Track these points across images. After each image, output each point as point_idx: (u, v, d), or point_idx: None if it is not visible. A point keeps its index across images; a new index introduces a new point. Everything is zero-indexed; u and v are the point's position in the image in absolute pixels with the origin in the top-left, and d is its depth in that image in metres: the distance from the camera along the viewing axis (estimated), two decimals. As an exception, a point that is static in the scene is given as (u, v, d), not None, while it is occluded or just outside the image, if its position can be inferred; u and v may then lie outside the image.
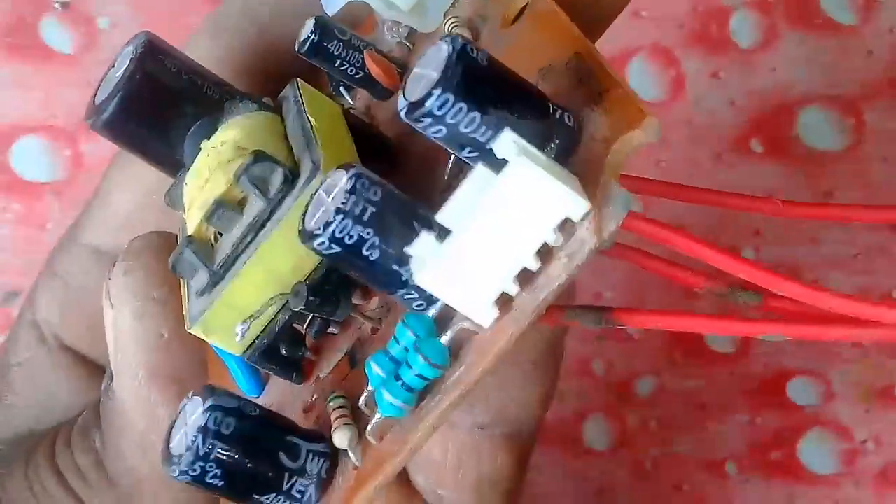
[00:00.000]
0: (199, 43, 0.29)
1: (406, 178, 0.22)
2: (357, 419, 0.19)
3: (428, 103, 0.16)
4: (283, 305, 0.20)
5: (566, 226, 0.16)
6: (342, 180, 0.17)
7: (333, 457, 0.18)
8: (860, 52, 0.35)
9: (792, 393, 0.36)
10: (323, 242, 0.17)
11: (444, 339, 0.17)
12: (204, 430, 0.17)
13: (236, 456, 0.18)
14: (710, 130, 0.35)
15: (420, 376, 0.17)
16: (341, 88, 0.26)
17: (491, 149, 0.17)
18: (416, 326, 0.18)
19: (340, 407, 0.19)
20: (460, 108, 0.16)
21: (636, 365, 0.36)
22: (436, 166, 0.21)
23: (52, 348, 0.29)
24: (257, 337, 0.20)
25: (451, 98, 0.16)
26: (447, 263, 0.16)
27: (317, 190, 0.18)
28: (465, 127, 0.17)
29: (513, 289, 0.17)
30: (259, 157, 0.19)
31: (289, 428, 0.19)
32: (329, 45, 0.23)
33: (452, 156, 0.20)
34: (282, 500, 0.18)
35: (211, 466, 0.17)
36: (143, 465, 0.24)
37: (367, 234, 0.17)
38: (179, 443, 0.18)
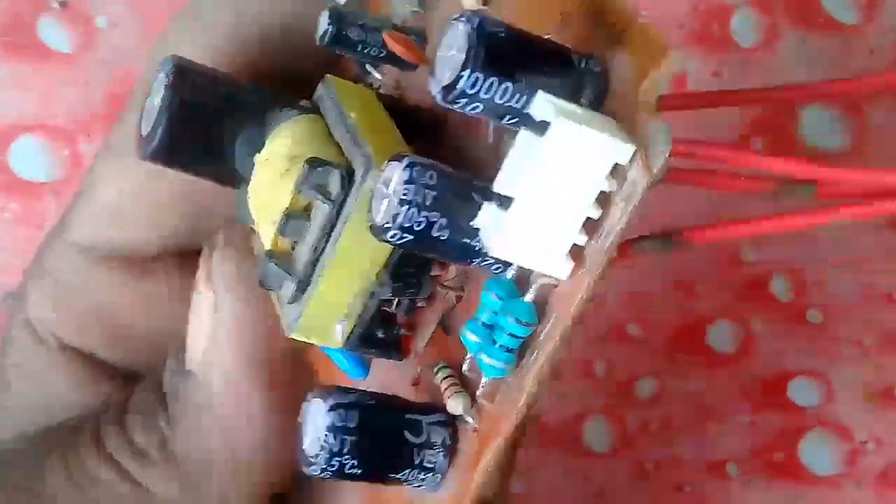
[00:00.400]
0: (176, 35, 0.28)
1: (451, 145, 0.23)
2: (465, 385, 0.20)
3: (460, 85, 0.17)
4: (371, 294, 0.21)
5: (617, 170, 0.17)
6: (397, 171, 0.18)
7: (452, 424, 0.20)
8: (862, 51, 0.34)
9: (793, 393, 0.36)
10: (395, 234, 0.18)
11: (528, 297, 0.18)
12: (332, 428, 0.19)
13: (366, 444, 0.19)
14: (712, 130, 0.34)
15: (513, 335, 0.18)
16: (367, 66, 0.27)
17: (528, 113, 0.18)
18: (499, 290, 0.19)
19: (448, 377, 0.20)
20: (491, 83, 0.17)
21: (637, 366, 0.36)
22: (477, 128, 0.22)
23: (51, 347, 0.29)
24: (353, 327, 0.21)
25: (481, 75, 0.17)
26: (514, 229, 0.17)
27: (376, 184, 0.19)
28: (500, 98, 0.17)
29: (581, 239, 0.17)
30: (313, 163, 0.20)
31: (405, 407, 0.20)
32: (348, 33, 0.24)
33: (490, 122, 0.21)
34: (416, 473, 0.19)
35: (347, 459, 0.19)
36: (223, 448, 0.24)
37: (434, 217, 0.18)
38: (312, 444, 0.19)
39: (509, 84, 0.17)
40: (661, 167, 0.17)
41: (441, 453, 0.20)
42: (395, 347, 0.22)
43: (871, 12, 0.34)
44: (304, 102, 0.23)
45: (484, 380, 0.19)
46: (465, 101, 0.17)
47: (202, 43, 0.28)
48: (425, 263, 0.21)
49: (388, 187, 0.18)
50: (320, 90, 0.22)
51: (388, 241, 0.18)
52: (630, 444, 0.36)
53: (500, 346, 0.18)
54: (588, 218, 0.17)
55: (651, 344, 0.36)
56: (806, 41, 0.34)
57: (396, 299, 0.21)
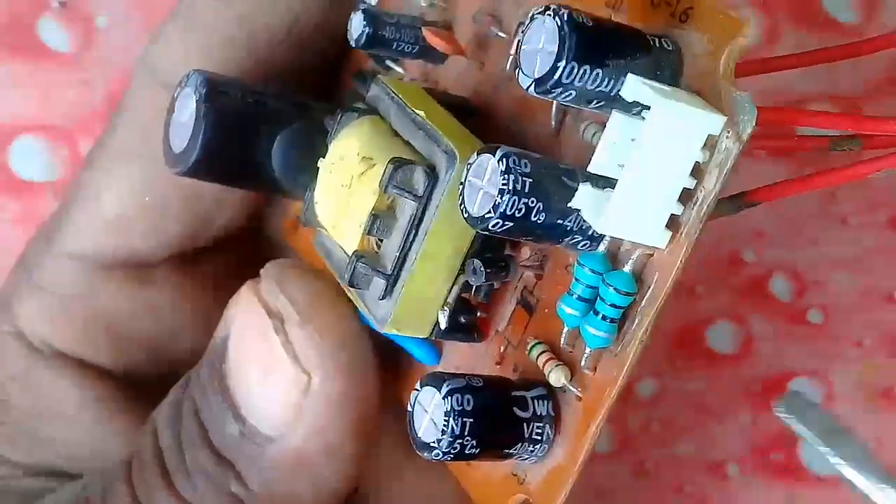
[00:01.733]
0: (173, 37, 0.28)
1: (499, 132, 0.24)
2: (560, 358, 0.21)
3: (556, 75, 0.18)
4: (457, 282, 0.22)
5: (710, 141, 0.18)
6: (491, 162, 0.19)
7: (553, 396, 0.21)
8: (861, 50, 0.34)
9: None
10: (497, 222, 0.19)
11: (627, 268, 0.19)
12: (452, 412, 0.20)
13: (483, 424, 0.20)
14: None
15: (614, 306, 0.20)
16: (387, 62, 0.27)
17: (616, 95, 0.19)
18: (594, 264, 0.20)
19: (544, 352, 0.21)
20: (584, 71, 0.18)
21: (638, 367, 0.36)
22: (525, 115, 0.23)
23: (48, 355, 0.29)
24: (441, 315, 0.22)
25: (575, 65, 0.18)
26: (618, 206, 0.18)
27: (464, 176, 0.20)
28: (591, 84, 0.18)
29: (678, 209, 0.19)
30: (397, 162, 0.21)
31: (508, 385, 0.21)
32: (384, 32, 0.25)
33: (554, 105, 0.22)
34: (527, 445, 0.20)
35: (467, 440, 0.20)
36: (310, 491, 0.24)
37: (532, 202, 0.19)
38: (429, 431, 0.20)
39: (600, 70, 0.18)
40: (749, 134, 0.18)
41: (547, 424, 0.21)
42: (476, 330, 0.23)
43: (871, 12, 0.35)
44: (358, 104, 0.23)
45: (587, 350, 0.20)
46: (559, 90, 0.18)
47: (198, 44, 0.28)
48: (501, 246, 0.22)
49: (483, 179, 0.19)
50: (374, 90, 0.23)
51: (487, 231, 0.19)
52: (631, 444, 0.36)
53: (603, 316, 0.20)
54: (685, 188, 0.19)
55: (652, 345, 0.35)
56: (805, 41, 0.34)
57: (475, 285, 0.22)
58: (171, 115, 0.27)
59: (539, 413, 0.21)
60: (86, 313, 0.29)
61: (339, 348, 0.23)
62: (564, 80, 0.18)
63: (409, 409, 0.21)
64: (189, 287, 0.30)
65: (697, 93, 0.19)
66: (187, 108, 0.27)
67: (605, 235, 0.20)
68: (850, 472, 0.20)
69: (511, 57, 0.23)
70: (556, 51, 0.18)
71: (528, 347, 0.21)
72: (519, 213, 0.19)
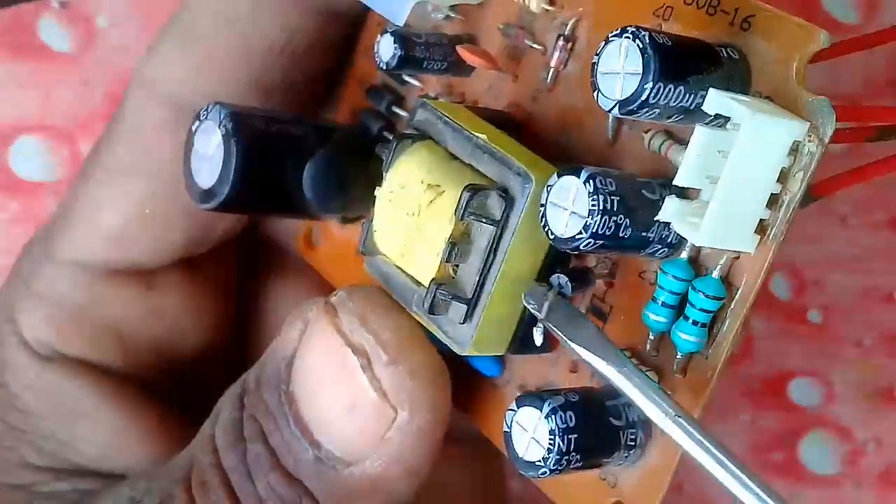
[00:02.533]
0: (171, 52, 0.28)
1: (548, 144, 0.24)
2: (646, 363, 0.21)
3: (644, 97, 0.18)
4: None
5: (794, 147, 0.19)
6: (576, 184, 0.19)
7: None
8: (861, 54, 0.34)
9: (793, 394, 0.36)
10: (589, 242, 0.19)
11: (715, 273, 0.20)
12: (557, 430, 0.20)
13: (586, 438, 0.20)
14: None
15: (704, 310, 0.20)
16: (404, 77, 0.27)
17: (695, 109, 0.19)
18: (677, 272, 0.20)
19: (630, 358, 0.21)
20: (669, 89, 0.19)
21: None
22: (573, 126, 0.23)
23: (57, 361, 0.29)
24: (514, 333, 0.22)
25: (661, 85, 0.18)
26: (715, 218, 0.19)
27: (544, 199, 0.20)
28: (674, 101, 0.19)
29: (766, 213, 0.19)
30: (472, 190, 0.21)
31: (600, 395, 0.21)
32: (414, 53, 0.25)
33: (609, 117, 0.22)
34: (623, 452, 0.21)
35: (573, 456, 0.20)
36: None
37: (620, 219, 0.19)
38: (533, 450, 0.20)
39: (682, 87, 0.19)
40: (831, 136, 0.19)
41: (640, 430, 0.21)
42: (547, 342, 0.23)
43: (871, 12, 0.35)
44: (409, 130, 0.23)
45: (678, 355, 0.21)
46: (644, 110, 0.19)
47: (198, 60, 0.28)
48: (568, 258, 0.22)
49: (568, 200, 0.20)
50: (423, 114, 0.23)
51: (577, 251, 0.20)
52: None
53: (693, 321, 0.20)
54: (772, 194, 0.19)
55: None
56: None
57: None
58: (190, 150, 0.27)
59: (631, 420, 0.21)
60: (91, 319, 0.29)
61: (428, 386, 0.23)
62: (651, 101, 0.19)
63: (506, 429, 0.21)
64: (192, 290, 0.31)
65: (769, 99, 0.20)
66: (211, 142, 0.26)
67: (684, 242, 0.20)
68: (591, 357, 0.20)
69: (551, 69, 0.24)
70: (640, 72, 0.19)
71: (611, 355, 0.22)
72: (609, 231, 0.19)
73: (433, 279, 0.22)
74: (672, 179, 0.20)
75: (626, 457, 0.21)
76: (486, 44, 0.25)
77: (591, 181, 0.19)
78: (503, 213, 0.21)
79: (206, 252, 0.30)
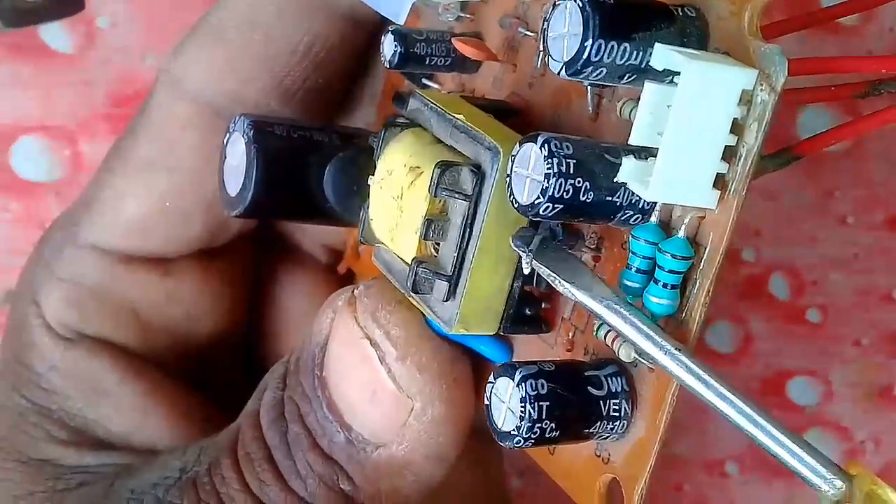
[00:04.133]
0: (198, 52, 0.29)
1: (542, 126, 0.24)
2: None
3: (585, 55, 0.19)
4: (514, 275, 0.22)
5: (745, 97, 0.19)
6: (533, 150, 0.20)
7: (626, 372, 0.21)
8: (860, 51, 0.34)
9: (792, 393, 0.36)
10: (547, 206, 0.19)
11: (681, 233, 0.20)
12: (527, 398, 0.20)
13: (560, 406, 0.20)
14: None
15: (673, 272, 0.20)
16: (422, 80, 0.28)
17: (646, 67, 0.19)
18: (647, 235, 0.20)
19: (609, 331, 0.21)
20: (612, 46, 0.19)
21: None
22: (562, 105, 0.23)
23: (79, 342, 0.30)
24: (503, 311, 0.23)
25: (602, 42, 0.19)
26: (664, 172, 0.19)
27: (510, 169, 0.20)
28: (621, 59, 0.19)
29: (723, 167, 0.19)
30: (443, 166, 0.21)
31: (579, 365, 0.21)
32: (415, 50, 0.25)
33: (589, 89, 0.22)
34: (606, 423, 0.21)
35: (546, 423, 0.20)
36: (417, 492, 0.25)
37: (578, 182, 0.19)
38: (508, 420, 0.20)
39: (627, 44, 0.19)
40: (783, 84, 0.18)
41: (624, 400, 0.21)
42: (542, 321, 0.23)
43: (870, 13, 0.34)
44: (399, 119, 0.24)
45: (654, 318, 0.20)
46: (589, 69, 0.19)
47: (224, 61, 0.29)
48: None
49: (528, 167, 0.20)
50: (414, 104, 0.24)
51: (539, 217, 0.20)
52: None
53: (664, 284, 0.20)
54: (727, 146, 0.19)
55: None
56: (804, 41, 0.34)
57: (535, 277, 0.22)
58: (223, 162, 0.28)
59: (614, 390, 0.21)
60: (111, 301, 0.31)
61: (438, 379, 0.24)
62: (594, 59, 0.19)
63: (486, 402, 0.21)
64: (208, 278, 0.32)
65: (726, 54, 0.19)
66: (237, 152, 0.28)
67: (655, 206, 0.20)
68: (582, 296, 0.20)
69: (539, 52, 0.24)
70: (581, 32, 0.19)
71: (595, 327, 0.22)
72: (567, 194, 0.19)
73: (414, 258, 0.22)
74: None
75: (613, 428, 0.21)
76: (491, 38, 0.26)
77: (546, 145, 0.19)
78: (475, 187, 0.21)
79: (222, 245, 0.32)
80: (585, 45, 0.19)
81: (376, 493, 0.25)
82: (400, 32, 0.25)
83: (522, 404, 0.20)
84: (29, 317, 0.31)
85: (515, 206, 0.20)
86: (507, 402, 0.20)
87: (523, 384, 0.20)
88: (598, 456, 0.22)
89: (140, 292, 0.31)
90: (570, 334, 0.23)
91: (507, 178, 0.20)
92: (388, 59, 0.25)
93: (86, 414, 0.30)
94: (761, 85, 0.19)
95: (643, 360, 0.21)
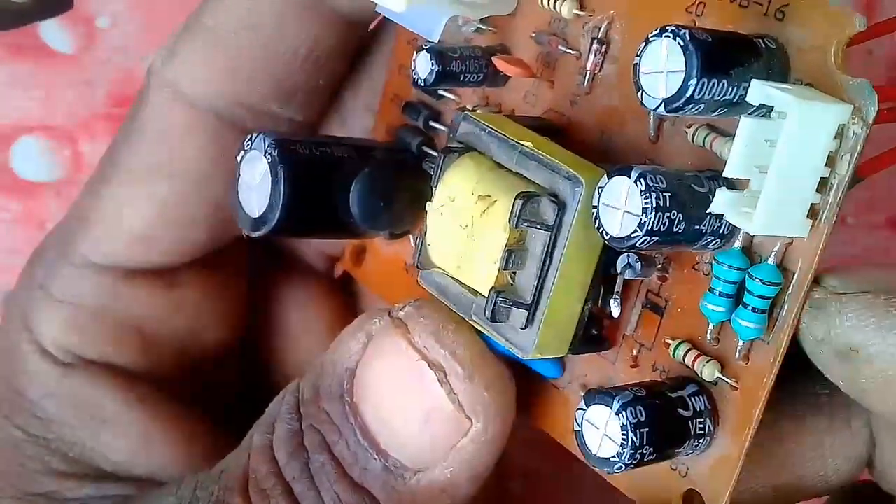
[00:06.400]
0: (196, 56, 0.29)
1: (590, 146, 0.24)
2: (707, 353, 0.22)
3: (689, 93, 0.19)
4: (585, 299, 0.23)
5: (839, 130, 0.19)
6: (627, 183, 0.20)
7: (705, 391, 0.22)
8: (860, 51, 0.34)
9: None
10: (644, 240, 0.20)
11: (771, 259, 0.20)
12: (629, 426, 0.20)
13: (657, 431, 0.21)
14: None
15: (762, 297, 0.21)
16: (439, 92, 0.28)
17: (739, 101, 0.20)
18: (732, 261, 0.21)
19: (690, 350, 0.22)
20: (713, 84, 0.19)
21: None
22: (613, 126, 0.24)
23: (78, 366, 0.29)
24: (574, 334, 0.23)
25: (705, 80, 0.19)
26: (769, 207, 0.19)
27: (596, 201, 0.20)
28: (718, 95, 0.19)
29: (816, 198, 0.20)
30: (525, 198, 0.21)
31: (664, 387, 0.22)
32: (451, 67, 0.25)
33: (652, 114, 0.23)
34: (693, 441, 0.21)
35: (646, 449, 0.21)
36: None
37: (673, 214, 0.20)
38: (606, 447, 0.21)
39: (724, 80, 0.19)
40: (875, 117, 0.19)
41: (708, 418, 0.22)
42: (605, 340, 0.24)
43: (871, 13, 0.35)
44: (454, 144, 0.24)
45: (740, 343, 0.21)
46: (690, 106, 0.19)
47: (224, 64, 0.29)
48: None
49: (621, 200, 0.20)
50: (466, 127, 0.24)
51: (634, 249, 0.20)
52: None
53: (752, 308, 0.21)
54: (821, 178, 0.20)
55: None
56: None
57: (602, 296, 0.23)
58: (237, 180, 0.27)
59: (699, 409, 0.22)
60: (114, 320, 0.30)
61: (499, 397, 0.24)
62: (696, 96, 0.19)
63: (577, 428, 0.21)
64: (210, 285, 0.31)
65: (810, 86, 0.20)
66: (257, 171, 0.27)
67: (736, 232, 0.21)
68: None
69: (587, 72, 0.24)
70: (683, 70, 0.19)
71: (672, 348, 0.22)
72: (663, 227, 0.20)
73: (492, 287, 0.22)
74: (719, 171, 0.20)
75: (697, 445, 0.22)
76: (519, 53, 0.26)
77: (641, 179, 0.20)
78: (556, 217, 0.21)
79: (222, 248, 0.31)
80: (689, 84, 0.19)
81: None
82: (436, 50, 0.25)
83: (624, 432, 0.20)
84: (21, 343, 0.30)
85: (606, 238, 0.20)
86: (602, 429, 0.21)
87: (623, 412, 0.21)
88: (675, 469, 0.23)
89: (144, 308, 0.30)
90: (635, 351, 0.23)
91: (594, 210, 0.20)
92: (422, 77, 0.25)
93: (85, 442, 0.29)
94: (853, 118, 0.19)
95: (725, 379, 0.21)
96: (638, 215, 0.20)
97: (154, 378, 0.30)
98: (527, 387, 0.25)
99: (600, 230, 0.20)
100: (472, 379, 0.24)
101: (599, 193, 0.20)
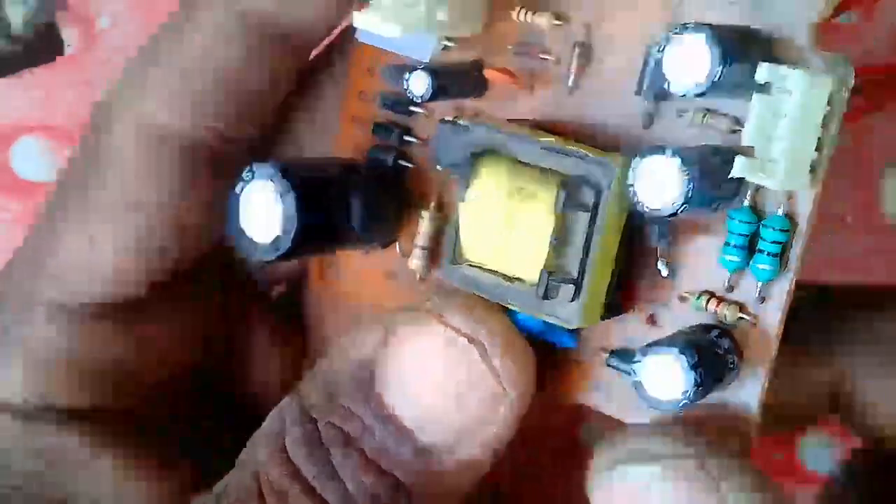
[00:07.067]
0: (156, 88, 0.29)
1: (593, 140, 0.27)
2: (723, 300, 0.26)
3: (715, 79, 0.23)
4: (614, 270, 0.26)
5: (830, 98, 0.24)
6: (663, 160, 0.23)
7: (728, 332, 0.25)
8: (858, 50, 0.35)
9: None
10: (684, 207, 0.23)
11: (780, 211, 0.24)
12: (691, 366, 0.24)
13: (708, 369, 0.24)
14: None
15: (776, 242, 0.24)
16: (410, 109, 0.30)
17: (745, 82, 0.23)
18: (742, 216, 0.25)
19: (710, 299, 0.25)
20: (732, 70, 0.23)
21: None
22: (603, 122, 0.27)
23: (45, 416, 0.29)
24: (604, 302, 0.26)
25: (729, 66, 0.23)
26: (786, 166, 0.23)
27: (632, 180, 0.24)
28: (733, 78, 0.23)
29: (815, 155, 0.24)
30: (566, 186, 0.24)
31: (696, 332, 0.25)
32: (445, 84, 0.28)
33: (645, 103, 0.26)
34: (729, 370, 0.25)
35: (703, 385, 0.24)
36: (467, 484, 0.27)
37: (702, 183, 0.23)
38: (671, 389, 0.24)
39: (737, 65, 0.23)
40: (851, 82, 0.24)
41: (733, 354, 0.25)
42: (622, 305, 0.27)
43: (869, 13, 0.35)
44: (475, 150, 0.26)
45: (759, 284, 0.25)
46: (716, 90, 0.23)
47: (189, 92, 0.29)
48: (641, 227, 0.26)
49: (657, 176, 0.23)
50: (479, 133, 0.26)
51: (674, 216, 0.23)
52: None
53: (768, 253, 0.24)
54: (818, 137, 0.24)
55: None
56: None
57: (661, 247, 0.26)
58: (237, 211, 0.28)
59: (727, 347, 0.25)
60: (83, 363, 0.29)
61: (527, 370, 0.26)
62: (721, 81, 0.23)
63: (635, 378, 0.24)
64: (177, 311, 0.32)
65: (795, 64, 0.24)
66: (262, 199, 0.28)
67: (746, 192, 0.25)
68: None
69: (571, 73, 0.27)
70: (710, 58, 0.23)
71: (693, 300, 0.26)
72: (698, 195, 0.23)
73: (544, 268, 0.25)
74: (717, 146, 0.24)
75: (730, 380, 0.25)
76: (496, 65, 0.28)
77: (677, 155, 0.23)
78: (594, 199, 0.24)
79: (181, 274, 0.31)
80: (716, 70, 0.23)
81: (433, 498, 0.27)
82: (432, 69, 0.27)
83: (686, 373, 0.24)
84: None
85: (647, 210, 0.24)
86: (663, 375, 0.24)
87: (683, 355, 0.24)
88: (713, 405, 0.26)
89: (113, 344, 0.30)
90: (650, 311, 0.27)
91: (630, 188, 0.24)
92: (419, 95, 0.27)
93: (56, 490, 0.29)
94: (838, 86, 0.24)
95: (745, 317, 0.25)
96: (678, 186, 0.23)
97: (122, 416, 0.31)
98: (545, 360, 0.28)
99: (639, 205, 0.24)
100: (508, 352, 0.26)
101: (634, 173, 0.24)
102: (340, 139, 0.32)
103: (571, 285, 0.25)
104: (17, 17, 0.26)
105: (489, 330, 0.26)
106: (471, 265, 0.26)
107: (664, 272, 0.26)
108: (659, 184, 0.23)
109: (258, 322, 0.34)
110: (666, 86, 0.23)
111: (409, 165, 0.30)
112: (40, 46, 0.28)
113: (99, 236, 0.29)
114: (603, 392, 0.27)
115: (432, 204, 0.29)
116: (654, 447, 0.25)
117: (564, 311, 0.25)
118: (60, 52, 0.29)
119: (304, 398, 0.27)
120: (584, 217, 0.25)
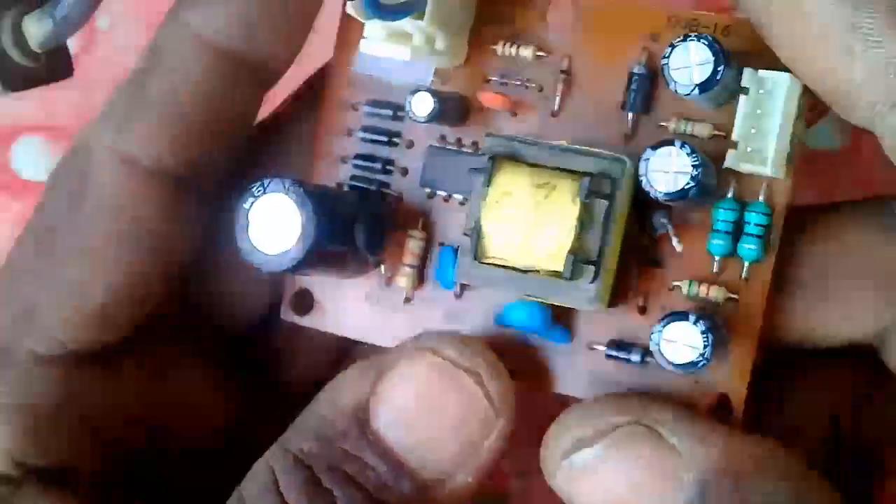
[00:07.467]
0: (140, 123, 0.29)
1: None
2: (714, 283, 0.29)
3: (718, 77, 0.27)
4: (619, 255, 0.29)
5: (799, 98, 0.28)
6: (674, 151, 0.27)
7: (720, 310, 0.29)
8: None
9: None
10: (694, 190, 0.27)
11: (761, 197, 0.28)
12: (706, 331, 0.27)
13: (714, 335, 0.27)
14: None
15: (759, 225, 0.28)
16: (392, 140, 0.33)
17: (734, 84, 0.28)
18: (727, 205, 0.29)
19: (701, 283, 0.29)
20: (730, 72, 0.27)
21: None
22: (589, 134, 0.30)
23: (29, 479, 0.28)
24: (611, 288, 0.29)
25: (729, 68, 0.27)
26: (774, 156, 0.27)
27: (644, 170, 0.27)
28: (727, 79, 0.27)
29: (789, 148, 0.28)
30: (589, 178, 0.27)
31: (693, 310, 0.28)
32: (447, 109, 0.30)
33: (630, 115, 0.30)
34: (721, 348, 0.28)
35: (714, 347, 0.27)
36: None
37: (702, 172, 0.27)
38: (689, 353, 0.27)
39: (729, 70, 0.27)
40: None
41: (725, 329, 0.29)
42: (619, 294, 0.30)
43: None
44: (487, 158, 0.28)
45: (746, 265, 0.29)
46: (716, 88, 0.27)
47: (169, 129, 0.30)
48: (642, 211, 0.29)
49: (670, 166, 0.27)
50: (491, 143, 0.29)
51: (680, 199, 0.27)
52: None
53: (753, 235, 0.28)
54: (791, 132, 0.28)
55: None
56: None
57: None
58: (245, 226, 0.29)
59: (719, 323, 0.29)
60: (68, 416, 0.29)
61: (512, 395, 0.28)
62: (718, 80, 0.27)
63: (655, 347, 0.27)
64: (157, 362, 0.31)
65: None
66: (276, 211, 0.29)
67: (731, 184, 0.29)
68: None
69: (557, 97, 0.31)
70: (713, 61, 0.27)
71: (686, 287, 0.29)
72: (702, 178, 0.27)
73: (570, 251, 0.27)
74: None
75: (722, 353, 0.29)
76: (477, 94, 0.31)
77: (685, 145, 0.27)
78: (612, 189, 0.28)
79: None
80: (718, 69, 0.27)
81: None
82: (435, 92, 0.30)
83: (704, 336, 0.27)
84: None
85: (660, 194, 0.27)
86: (680, 342, 0.27)
87: (700, 321, 0.27)
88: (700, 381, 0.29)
89: (96, 395, 0.30)
90: (640, 301, 0.30)
91: (643, 178, 0.27)
92: (423, 115, 0.30)
93: None
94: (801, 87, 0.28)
95: (733, 297, 0.29)
96: (688, 172, 0.27)
97: (109, 469, 0.30)
98: (534, 360, 0.31)
99: (652, 191, 0.27)
100: (500, 378, 0.28)
101: (646, 164, 0.27)
102: (319, 171, 0.33)
103: (592, 266, 0.28)
104: (36, 35, 0.26)
105: (482, 358, 0.28)
106: (489, 263, 0.29)
107: (678, 248, 0.29)
108: (671, 170, 0.27)
109: (216, 367, 0.34)
110: (672, 87, 0.27)
111: (391, 192, 0.32)
112: (56, 63, 0.28)
113: (88, 278, 0.29)
114: (599, 386, 0.30)
115: (420, 223, 0.31)
116: (595, 423, 0.28)
117: (582, 294, 0.28)
118: (71, 72, 0.29)
119: (294, 447, 0.28)
120: (602, 204, 0.28)
